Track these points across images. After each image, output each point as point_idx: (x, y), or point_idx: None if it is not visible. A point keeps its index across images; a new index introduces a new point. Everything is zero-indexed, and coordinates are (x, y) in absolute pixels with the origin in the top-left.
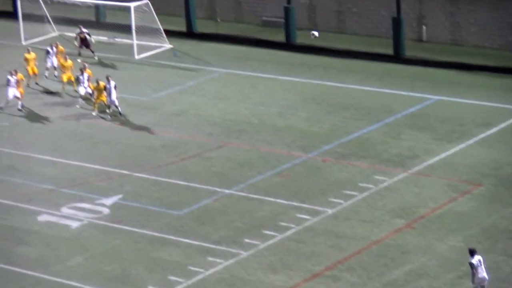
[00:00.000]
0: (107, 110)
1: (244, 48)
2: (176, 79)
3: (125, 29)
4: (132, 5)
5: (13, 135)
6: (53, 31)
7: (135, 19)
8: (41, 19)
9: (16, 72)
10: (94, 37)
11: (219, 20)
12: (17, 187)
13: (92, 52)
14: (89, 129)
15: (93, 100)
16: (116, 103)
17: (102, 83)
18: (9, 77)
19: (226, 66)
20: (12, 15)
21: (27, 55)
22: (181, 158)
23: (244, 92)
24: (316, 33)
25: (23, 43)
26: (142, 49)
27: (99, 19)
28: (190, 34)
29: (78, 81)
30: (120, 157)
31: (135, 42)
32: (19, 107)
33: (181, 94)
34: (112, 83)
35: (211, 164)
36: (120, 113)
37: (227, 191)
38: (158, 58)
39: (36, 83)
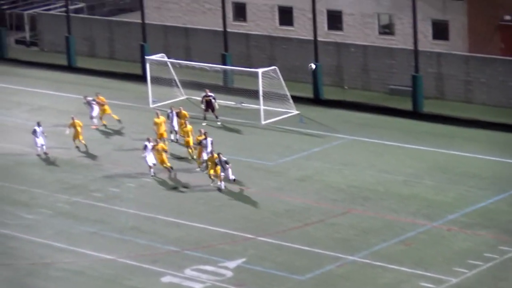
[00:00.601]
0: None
1: (371, 115)
2: (302, 145)
3: (252, 94)
4: (260, 70)
5: (138, 196)
6: (181, 95)
7: (262, 84)
8: (169, 82)
9: (153, 139)
10: (222, 102)
11: (346, 87)
12: (141, 248)
13: (216, 117)
14: (214, 192)
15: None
16: (230, 177)
17: (216, 155)
18: (147, 143)
19: (352, 133)
20: (141, 78)
21: (156, 120)
22: (305, 223)
23: (370, 159)
24: (313, 66)
25: (151, 106)
26: (269, 114)
27: (226, 84)
28: (317, 100)
29: (201, 145)
30: (244, 220)
31: (262, 107)
32: (152, 174)
33: (307, 160)
34: (223, 159)
35: (335, 230)
36: (234, 180)
37: (350, 257)
38: (285, 124)
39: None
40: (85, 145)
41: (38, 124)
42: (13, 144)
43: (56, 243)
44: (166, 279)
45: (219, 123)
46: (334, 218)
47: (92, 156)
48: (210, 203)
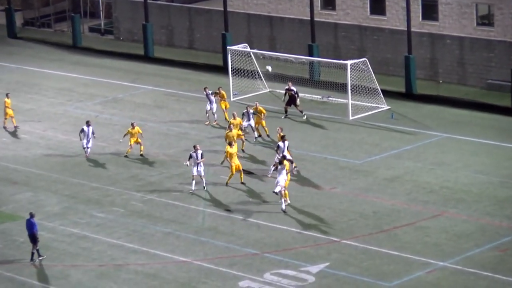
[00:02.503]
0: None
1: (466, 112)
2: (392, 143)
3: (340, 87)
4: (349, 62)
5: (216, 195)
6: (264, 88)
7: (351, 77)
8: (251, 74)
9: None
10: (308, 96)
11: (441, 81)
12: (218, 250)
13: (301, 112)
14: (296, 192)
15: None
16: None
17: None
18: (192, 153)
19: (446, 130)
20: (222, 69)
21: (232, 121)
22: (394, 226)
23: (464, 158)
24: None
25: (232, 99)
26: (357, 109)
27: (313, 77)
28: (409, 95)
29: (277, 149)
30: (328, 222)
31: (350, 102)
32: (192, 190)
33: (397, 159)
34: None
35: (425, 234)
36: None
37: (441, 263)
38: (374, 120)
39: (242, 150)
40: (141, 154)
41: (88, 124)
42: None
43: (128, 244)
44: (244, 283)
45: (304, 117)
46: (425, 221)
47: (169, 152)
48: (292, 203)
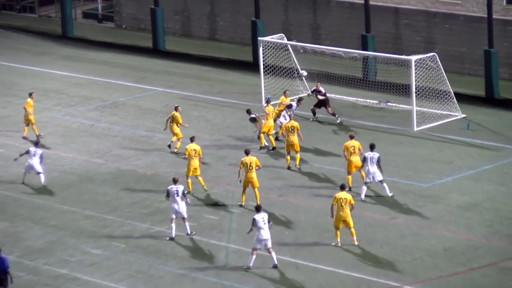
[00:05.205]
0: None
1: None
2: (468, 160)
3: (402, 90)
4: (413, 58)
5: (243, 226)
6: (304, 90)
7: (416, 77)
8: (289, 73)
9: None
10: (361, 100)
11: None
12: None
13: (333, 114)
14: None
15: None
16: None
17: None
18: (174, 188)
19: None
20: (251, 66)
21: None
22: (470, 267)
23: None
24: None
25: (263, 104)
26: (423, 118)
27: (367, 76)
28: (490, 99)
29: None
30: (387, 261)
31: (414, 108)
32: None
33: (474, 181)
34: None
35: (511, 278)
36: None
37: None
38: (445, 131)
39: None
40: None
41: (36, 144)
42: (77, 154)
43: None
44: None
45: (338, 120)
46: (510, 261)
47: (183, 172)
48: (340, 237)
